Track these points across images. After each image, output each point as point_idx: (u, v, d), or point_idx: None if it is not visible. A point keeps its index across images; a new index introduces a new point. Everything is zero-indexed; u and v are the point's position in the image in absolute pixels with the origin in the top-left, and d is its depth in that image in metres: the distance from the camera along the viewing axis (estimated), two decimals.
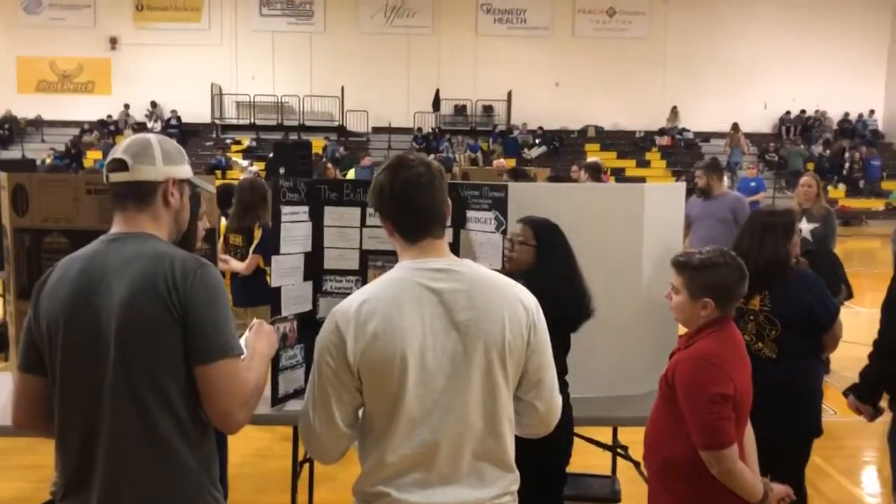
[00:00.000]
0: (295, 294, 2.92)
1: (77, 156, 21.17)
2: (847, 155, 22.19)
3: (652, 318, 3.17)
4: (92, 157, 20.74)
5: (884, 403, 2.98)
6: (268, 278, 4.05)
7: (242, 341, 1.81)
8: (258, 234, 4.90)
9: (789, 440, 2.93)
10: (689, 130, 23.76)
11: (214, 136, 23.16)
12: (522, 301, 1.75)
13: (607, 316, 2.76)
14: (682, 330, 2.46)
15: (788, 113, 24.28)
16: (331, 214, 3.00)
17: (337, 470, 2.70)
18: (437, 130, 23.22)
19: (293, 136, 21.51)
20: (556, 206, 2.88)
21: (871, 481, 4.62)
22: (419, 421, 1.65)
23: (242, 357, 1.73)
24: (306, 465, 3.47)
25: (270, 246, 2.92)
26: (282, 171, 10.18)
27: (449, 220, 1.80)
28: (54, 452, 1.73)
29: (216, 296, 1.68)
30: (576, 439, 2.86)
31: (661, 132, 23.69)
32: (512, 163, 15.79)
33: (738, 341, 2.34)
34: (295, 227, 2.91)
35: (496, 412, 1.70)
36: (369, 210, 2.88)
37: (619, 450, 3.67)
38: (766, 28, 23.26)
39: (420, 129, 23.13)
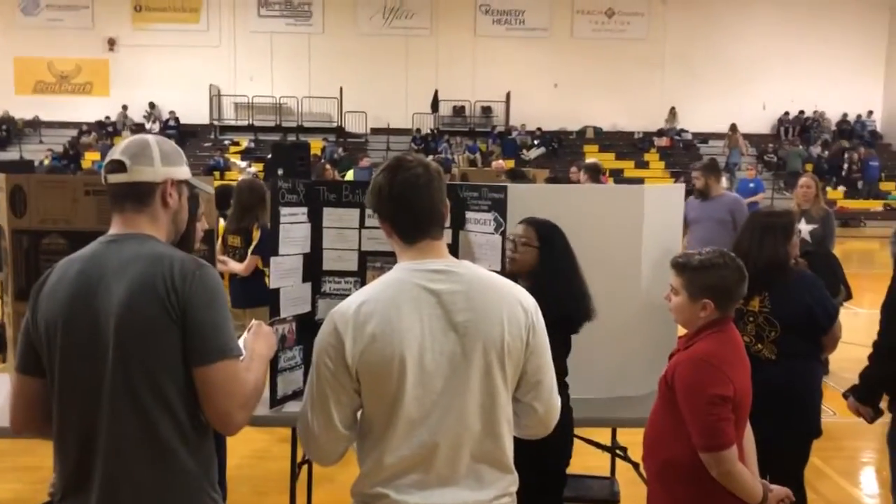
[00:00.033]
0: (294, 295, 2.92)
1: (75, 157, 21.16)
2: (846, 156, 22.22)
3: (651, 319, 3.17)
4: (90, 158, 20.72)
5: (883, 405, 2.98)
6: (266, 279, 4.04)
7: (241, 342, 1.81)
8: (257, 235, 4.89)
9: (789, 441, 2.93)
10: (687, 131, 23.78)
11: (213, 137, 23.16)
12: (521, 302, 1.74)
13: (607, 317, 2.76)
14: (682, 331, 2.46)
15: (787, 114, 24.31)
16: (329, 216, 3.00)
17: (336, 471, 2.69)
18: (435, 131, 23.23)
19: (291, 138, 21.51)
20: (555, 207, 2.88)
21: (869, 482, 4.62)
22: (418, 422, 1.65)
23: (241, 358, 1.73)
24: (305, 467, 3.46)
25: (269, 247, 2.91)
26: (280, 172, 10.18)
27: (448, 221, 1.80)
28: (52, 454, 1.72)
29: (215, 297, 1.68)
30: (575, 440, 2.86)
31: (660, 133, 23.71)
32: (511, 164, 15.83)
33: (737, 342, 2.34)
34: (294, 229, 2.90)
35: (495, 413, 1.70)
36: (368, 211, 2.87)
37: (618, 451, 3.67)
38: (764, 29, 23.29)
39: (419, 131, 23.13)
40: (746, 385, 2.29)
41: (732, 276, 2.30)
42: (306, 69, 23.40)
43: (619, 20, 23.88)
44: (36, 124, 23.07)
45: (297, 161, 11.66)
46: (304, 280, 2.96)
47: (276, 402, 2.88)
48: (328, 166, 11.47)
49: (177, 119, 22.97)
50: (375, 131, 23.40)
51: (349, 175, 13.03)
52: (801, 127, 24.13)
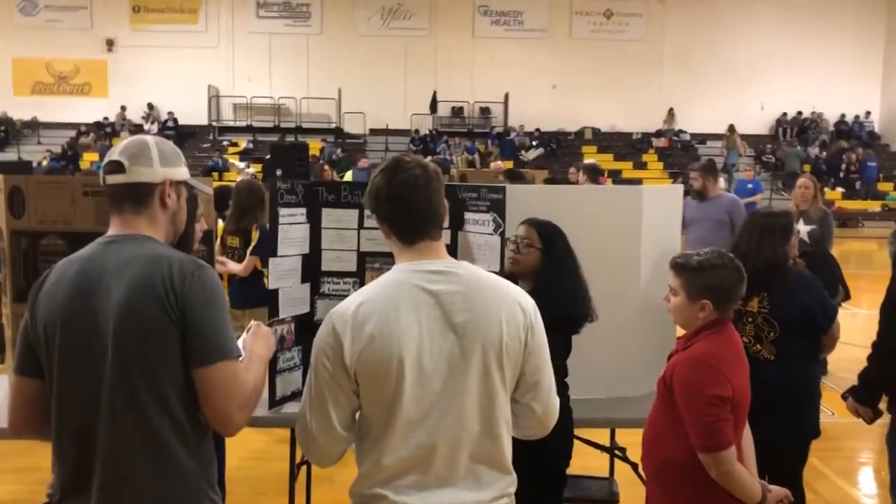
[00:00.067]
0: (292, 296, 2.92)
1: (73, 158, 21.16)
2: (844, 156, 22.24)
3: (650, 319, 3.17)
4: (88, 159, 20.72)
5: (882, 405, 2.98)
6: (265, 280, 4.04)
7: (240, 343, 1.81)
8: (255, 235, 4.89)
9: (787, 441, 2.93)
10: (685, 132, 23.80)
11: (211, 138, 23.16)
12: (520, 303, 1.74)
13: (605, 317, 2.76)
14: (681, 331, 2.46)
15: (785, 114, 24.34)
16: (328, 216, 3.00)
17: (334, 472, 2.69)
18: (434, 132, 23.24)
19: (290, 138, 21.51)
20: (554, 207, 2.88)
21: (868, 482, 4.63)
22: (416, 423, 1.65)
23: (240, 359, 1.73)
24: (304, 468, 3.46)
25: (268, 248, 2.91)
26: (279, 172, 10.18)
27: (446, 221, 1.80)
28: (51, 455, 1.72)
29: (214, 298, 1.68)
30: (574, 441, 2.86)
31: (658, 134, 23.73)
32: (509, 164, 15.82)
33: (736, 343, 2.34)
34: (292, 229, 2.90)
35: (493, 414, 1.70)
36: (367, 212, 2.88)
37: (617, 451, 3.67)
38: (762, 30, 23.32)
39: (417, 131, 23.14)
40: (745, 386, 2.29)
41: (731, 277, 2.31)
42: (305, 70, 23.40)
43: (618, 21, 23.90)
44: (34, 125, 23.07)
45: (295, 162, 11.66)
46: (303, 281, 2.96)
47: (274, 402, 2.88)
48: (326, 167, 11.46)
49: (175, 120, 22.96)
50: (374, 132, 23.41)
51: (348, 176, 13.02)
52: (800, 128, 24.16)
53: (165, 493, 1.66)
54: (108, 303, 1.63)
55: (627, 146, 23.54)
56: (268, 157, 15.87)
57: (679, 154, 22.76)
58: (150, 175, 1.75)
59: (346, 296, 1.76)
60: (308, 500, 3.67)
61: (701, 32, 23.46)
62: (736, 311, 2.65)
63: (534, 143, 22.84)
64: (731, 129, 21.99)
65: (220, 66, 23.34)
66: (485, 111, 23.99)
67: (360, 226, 3.00)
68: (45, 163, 19.86)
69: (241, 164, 19.86)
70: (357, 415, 1.72)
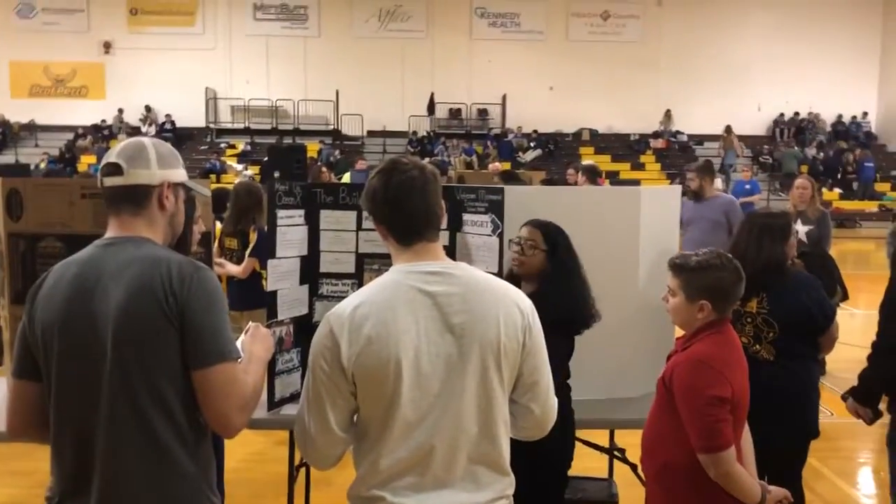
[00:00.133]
0: (291, 298, 2.91)
1: (71, 160, 21.14)
2: (843, 157, 22.28)
3: (649, 320, 3.17)
4: (86, 161, 20.71)
5: (882, 406, 2.98)
6: (264, 282, 4.04)
7: (238, 345, 1.81)
8: (253, 237, 4.89)
9: (787, 442, 2.93)
10: (683, 133, 23.83)
11: (209, 140, 23.14)
12: (517, 303, 1.74)
13: (604, 318, 2.76)
14: (680, 332, 2.46)
15: (782, 115, 24.38)
16: (327, 218, 3.00)
17: (333, 474, 2.68)
18: (431, 134, 23.24)
19: (288, 140, 21.51)
20: (552, 208, 2.88)
21: (866, 483, 4.63)
22: (414, 424, 1.65)
23: (239, 361, 1.73)
24: (302, 470, 3.45)
25: (266, 249, 2.91)
26: (276, 174, 10.18)
27: (445, 223, 1.79)
28: (49, 458, 1.72)
29: (213, 300, 1.68)
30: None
31: (656, 135, 23.75)
32: (507, 166, 15.83)
33: (735, 344, 2.34)
34: (291, 231, 2.90)
35: (491, 415, 1.70)
36: (365, 213, 2.88)
37: (616, 452, 3.66)
38: (759, 31, 23.36)
39: (415, 133, 23.14)
40: (744, 386, 2.29)
41: (730, 278, 2.31)
42: (302, 72, 23.40)
43: (615, 23, 23.92)
44: (32, 128, 23.05)
45: (293, 164, 11.67)
46: (302, 282, 2.96)
47: (273, 404, 2.87)
48: (324, 169, 11.45)
49: (173, 122, 22.95)
50: (372, 134, 23.41)
51: (346, 177, 13.01)
52: (797, 128, 24.19)
53: (165, 494, 1.66)
54: (106, 305, 1.63)
55: (625, 147, 23.56)
56: (265, 159, 15.88)
57: (676, 155, 22.79)
58: (147, 177, 1.75)
59: (344, 297, 1.76)
60: (307, 502, 3.67)
61: (697, 34, 23.50)
62: (735, 311, 2.65)
63: (531, 144, 22.85)
64: (728, 129, 22.02)
65: (217, 68, 23.33)
66: (482, 113, 24.01)
67: (359, 227, 3.00)
68: (42, 165, 19.87)
69: (239, 167, 19.90)
70: (355, 416, 1.72)
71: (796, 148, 22.70)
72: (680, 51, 23.47)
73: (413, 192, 1.70)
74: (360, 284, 2.92)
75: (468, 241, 2.92)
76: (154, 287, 1.63)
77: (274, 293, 2.85)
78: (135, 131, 21.77)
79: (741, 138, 22.33)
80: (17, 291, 2.79)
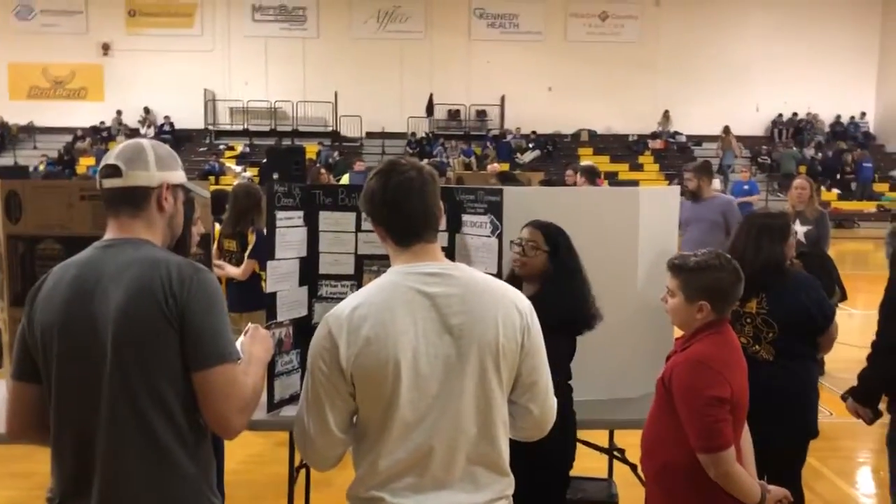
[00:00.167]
0: (290, 299, 2.91)
1: (70, 162, 21.13)
2: (841, 157, 22.30)
3: (648, 320, 3.17)
4: (85, 163, 20.70)
5: (882, 406, 2.98)
6: (263, 283, 4.04)
7: (238, 346, 1.81)
8: (252, 239, 4.89)
9: (786, 442, 2.93)
10: (681, 134, 23.84)
11: (208, 141, 23.13)
12: (516, 304, 1.75)
13: (604, 318, 2.76)
14: (679, 332, 2.46)
15: (780, 116, 24.39)
16: (326, 219, 3.00)
17: (333, 475, 2.68)
18: (430, 135, 23.24)
19: (287, 142, 21.52)
20: (551, 209, 2.88)
21: (866, 482, 4.63)
22: (413, 425, 1.65)
23: (239, 362, 1.73)
24: (302, 471, 3.45)
25: (265, 251, 2.91)
26: (275, 176, 10.18)
27: (443, 224, 1.79)
28: (50, 460, 1.72)
29: (213, 302, 1.68)
30: None
31: (654, 136, 23.77)
32: (506, 167, 15.84)
33: (734, 344, 2.34)
34: (290, 233, 2.90)
35: (490, 416, 1.70)
36: (363, 215, 2.88)
37: (615, 452, 3.67)
38: (757, 31, 23.38)
39: (414, 134, 23.14)
40: (744, 386, 2.29)
41: (729, 278, 2.31)
42: (301, 73, 23.39)
43: (613, 23, 23.93)
44: (30, 130, 23.04)
45: (292, 165, 11.69)
46: (301, 284, 2.96)
47: (273, 406, 2.87)
48: (323, 170, 11.44)
49: (171, 124, 22.94)
50: (370, 135, 23.41)
51: (344, 179, 13.00)
52: (795, 129, 24.21)
53: (166, 495, 1.66)
54: (106, 307, 1.63)
55: (623, 148, 23.57)
56: (264, 160, 15.89)
57: (675, 156, 22.80)
58: (146, 179, 1.75)
59: (343, 299, 1.76)
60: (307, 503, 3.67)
61: (696, 34, 23.52)
62: (734, 311, 2.66)
63: (530, 145, 22.86)
64: (727, 130, 22.04)
65: (216, 69, 23.33)
66: (481, 114, 24.01)
67: (358, 229, 3.00)
68: (41, 167, 19.86)
69: (238, 168, 19.90)
70: (354, 417, 1.72)
71: (795, 148, 22.72)
72: (678, 51, 23.49)
73: (411, 193, 1.70)
74: (360, 286, 2.91)
75: (467, 241, 2.92)
76: (154, 289, 1.63)
77: (273, 295, 2.84)
78: (133, 133, 21.76)
79: (739, 139, 22.35)
80: (16, 293, 2.79)
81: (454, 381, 1.66)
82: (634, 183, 18.04)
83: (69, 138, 22.57)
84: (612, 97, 23.36)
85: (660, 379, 2.34)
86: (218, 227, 5.02)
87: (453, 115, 23.99)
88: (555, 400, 1.84)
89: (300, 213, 2.94)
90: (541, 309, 1.82)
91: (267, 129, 23.07)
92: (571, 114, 23.32)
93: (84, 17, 23.28)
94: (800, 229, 5.63)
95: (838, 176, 22.03)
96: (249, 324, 2.05)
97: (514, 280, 2.65)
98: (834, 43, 23.38)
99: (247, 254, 4.88)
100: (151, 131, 22.19)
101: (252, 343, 1.92)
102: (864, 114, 24.59)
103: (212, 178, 18.06)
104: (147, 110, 23.21)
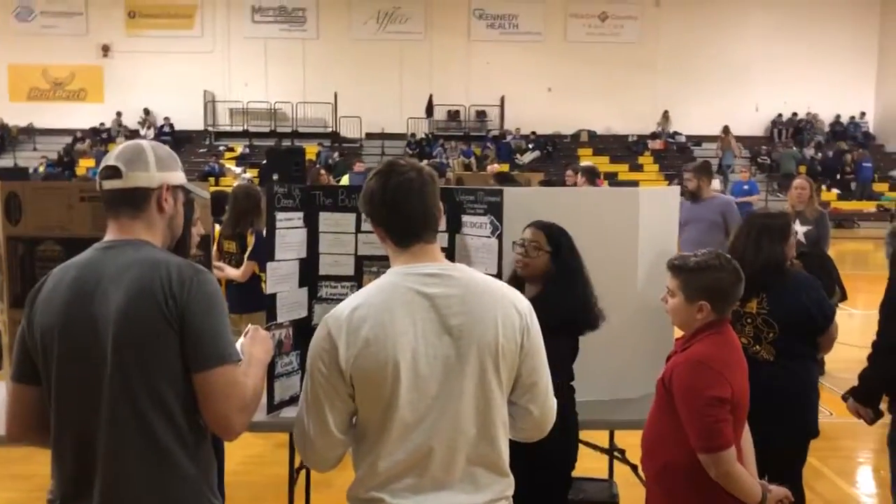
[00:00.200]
0: (290, 300, 2.91)
1: (70, 164, 21.12)
2: (842, 158, 22.30)
3: (648, 321, 3.17)
4: (85, 165, 20.69)
5: (883, 406, 2.98)
6: (263, 285, 4.04)
7: (238, 347, 1.81)
8: (251, 240, 4.89)
9: (787, 441, 2.93)
10: (681, 134, 23.84)
11: (207, 143, 23.13)
12: (515, 304, 1.74)
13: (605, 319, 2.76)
14: (679, 332, 2.46)
15: (780, 116, 24.39)
16: (325, 220, 3.00)
17: (333, 476, 2.68)
18: (430, 136, 23.24)
19: (286, 143, 21.51)
20: (551, 209, 2.88)
21: (866, 482, 4.63)
22: (412, 426, 1.65)
23: (239, 363, 1.73)
24: (302, 472, 3.45)
25: (265, 252, 2.91)
26: (275, 177, 10.18)
27: (443, 224, 1.79)
28: (50, 462, 1.72)
29: (214, 303, 1.68)
30: None
31: (654, 136, 23.77)
32: (506, 167, 15.84)
33: (734, 344, 2.34)
34: (290, 234, 2.90)
35: (490, 416, 1.70)
36: (363, 216, 2.88)
37: (616, 453, 3.67)
38: (757, 31, 23.37)
39: (413, 135, 23.14)
40: (744, 386, 2.29)
41: (729, 278, 2.31)
42: (301, 74, 23.39)
43: (613, 24, 23.93)
44: (30, 131, 23.03)
45: (292, 166, 11.69)
46: (301, 285, 2.96)
47: (273, 407, 2.87)
48: (323, 171, 11.44)
49: (171, 125, 22.94)
50: (370, 136, 23.40)
51: (344, 180, 13.00)
52: (794, 129, 24.20)
53: (166, 496, 1.66)
54: (106, 309, 1.63)
55: (623, 148, 23.57)
56: (264, 161, 15.89)
57: (674, 156, 22.79)
58: (146, 180, 1.75)
59: (343, 300, 1.76)
60: None
61: (695, 35, 23.51)
62: (735, 312, 2.66)
63: (530, 146, 22.86)
64: (726, 130, 22.03)
65: (215, 71, 23.33)
66: (481, 114, 24.01)
67: (358, 229, 3.00)
68: (41, 169, 19.87)
69: (238, 169, 19.90)
70: (354, 419, 1.72)
71: (794, 148, 22.71)
72: (678, 52, 23.49)
73: (411, 193, 1.70)
74: (360, 287, 2.91)
75: (467, 242, 2.92)
76: (154, 290, 1.63)
77: (273, 296, 2.84)
78: (133, 134, 21.75)
79: (739, 139, 22.34)
80: (15, 295, 2.78)
81: (454, 381, 1.66)
82: (634, 183, 18.04)
83: (69, 140, 22.56)
84: (612, 97, 23.36)
85: (660, 379, 2.34)
86: (218, 228, 5.02)
87: (453, 115, 23.99)
88: (555, 401, 1.84)
89: (300, 215, 2.94)
90: (543, 310, 1.82)
91: (267, 130, 23.07)
92: (571, 114, 23.32)
93: (84, 19, 23.28)
94: (800, 229, 5.63)
95: (838, 176, 22.02)
96: (249, 325, 2.05)
97: (517, 281, 2.65)
98: (833, 43, 23.38)
99: (246, 255, 4.88)
100: (151, 133, 22.18)
101: (252, 344, 1.92)
102: (863, 114, 24.59)
103: (211, 179, 18.07)
104: (147, 112, 23.21)
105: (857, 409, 3.00)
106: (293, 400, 2.90)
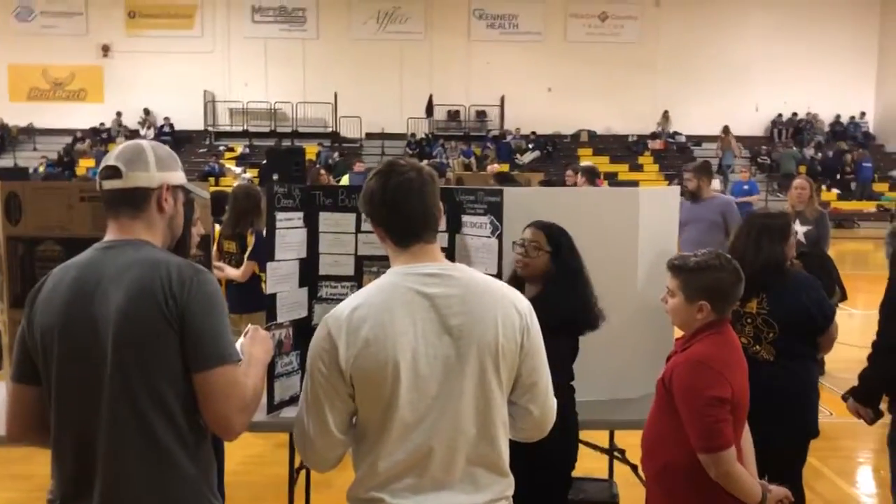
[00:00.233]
0: (290, 300, 2.91)
1: (70, 164, 21.12)
2: (842, 158, 22.30)
3: (648, 320, 3.17)
4: (85, 165, 20.69)
5: (883, 406, 2.98)
6: (263, 285, 4.03)
7: (238, 347, 1.81)
8: (251, 240, 4.89)
9: (787, 441, 2.93)
10: (681, 134, 23.84)
11: (207, 143, 23.13)
12: (515, 304, 1.74)
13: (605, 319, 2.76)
14: (679, 332, 2.46)
15: (780, 116, 24.39)
16: (326, 220, 3.00)
17: (333, 476, 2.68)
18: (430, 136, 23.24)
19: (286, 143, 21.51)
20: (551, 209, 2.88)
21: (866, 482, 4.63)
22: (412, 426, 1.65)
23: (240, 363, 1.73)
24: (302, 472, 3.45)
25: (264, 252, 2.91)
26: (275, 177, 10.18)
27: (443, 224, 1.79)
28: (50, 462, 1.72)
29: (214, 303, 1.68)
30: None
31: (654, 136, 23.76)
32: (506, 167, 15.84)
33: (734, 344, 2.34)
34: (290, 234, 2.90)
35: (490, 416, 1.70)
36: (363, 216, 2.87)
37: (616, 453, 3.67)
38: (757, 31, 23.37)
39: (413, 135, 23.13)
40: (744, 386, 2.29)
41: (729, 278, 2.31)
42: (301, 74, 23.39)
43: (613, 24, 23.93)
44: (30, 131, 23.03)
45: (292, 166, 11.69)
46: (301, 285, 2.96)
47: (273, 407, 2.87)
48: (323, 171, 11.44)
49: (171, 125, 22.93)
50: (370, 136, 23.40)
51: (344, 180, 13.00)
52: (794, 129, 24.20)
53: (166, 496, 1.66)
54: (106, 309, 1.63)
55: (623, 149, 23.57)
56: (264, 161, 15.89)
57: (674, 156, 22.79)
58: (146, 180, 1.75)
59: (343, 300, 1.76)
60: None
61: (695, 35, 23.51)
62: (735, 312, 2.65)
63: (530, 146, 22.86)
64: (726, 129, 22.04)
65: (215, 71, 23.32)
66: (481, 114, 24.01)
67: (358, 229, 2.99)
68: (41, 169, 19.86)
69: (238, 169, 19.90)
70: (354, 419, 1.72)
71: (794, 148, 22.71)
72: (678, 52, 23.48)
73: (411, 193, 1.70)
74: (360, 287, 2.91)
75: (467, 242, 2.92)
76: (154, 290, 1.63)
77: (273, 296, 2.84)
78: (133, 134, 21.74)
79: (739, 139, 22.34)
80: (15, 295, 2.78)
81: (453, 381, 1.66)
82: (634, 183, 18.04)
83: (69, 140, 22.56)
84: (612, 97, 23.35)
85: (660, 379, 2.34)
86: (218, 228, 5.02)
87: (453, 115, 23.99)
88: (555, 401, 1.84)
89: (300, 215, 2.94)
90: (543, 310, 1.82)
91: (267, 130, 23.07)
92: (571, 114, 23.32)
93: (84, 19, 23.28)
94: (800, 229, 5.63)
95: (838, 176, 22.01)
96: (249, 325, 2.05)
97: (517, 281, 2.65)
98: (833, 43, 23.38)
99: (246, 255, 4.88)
100: (151, 133, 22.18)
101: (252, 344, 1.92)
102: (863, 114, 24.59)
103: (211, 179, 18.06)
104: (147, 112, 23.21)
105: (857, 409, 3.00)
106: (293, 400, 2.90)
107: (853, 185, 21.74)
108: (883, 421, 3.02)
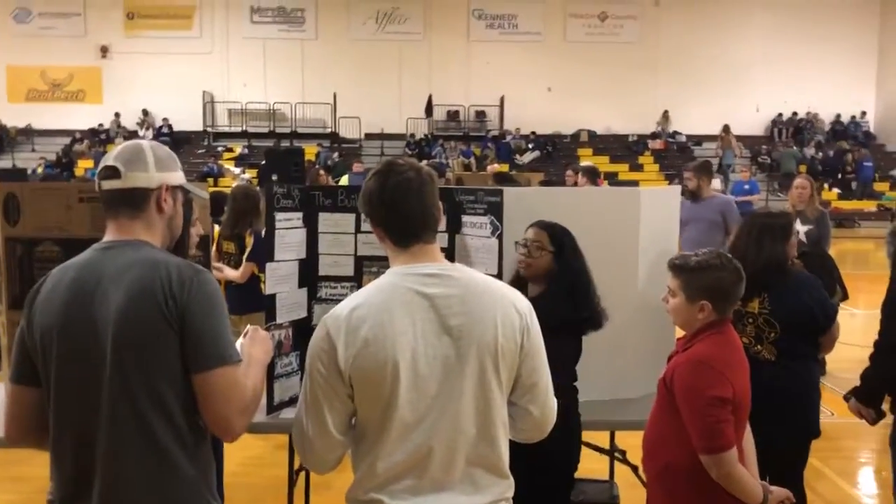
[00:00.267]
0: (289, 301, 2.90)
1: (68, 165, 21.13)
2: (843, 157, 22.31)
3: (649, 320, 3.16)
4: (83, 165, 20.70)
5: (885, 406, 2.97)
6: (262, 285, 4.03)
7: (238, 348, 1.80)
8: (250, 241, 4.88)
9: (788, 442, 2.92)
10: (681, 134, 23.85)
11: (206, 143, 23.13)
12: (515, 305, 1.74)
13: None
14: (680, 332, 2.45)
15: (780, 115, 24.40)
16: (325, 221, 2.99)
17: (333, 478, 2.67)
18: (429, 136, 23.25)
19: (285, 143, 21.51)
20: (552, 209, 2.87)
21: (867, 482, 4.63)
22: (412, 426, 1.64)
23: (239, 364, 1.72)
24: (302, 474, 3.44)
25: (263, 253, 2.90)
26: (274, 177, 10.17)
27: (443, 224, 1.79)
28: (49, 463, 1.71)
29: (214, 304, 1.67)
30: None
31: (654, 136, 23.77)
32: (506, 167, 15.84)
33: (736, 344, 2.33)
34: (289, 234, 2.89)
35: (490, 417, 1.69)
36: (362, 216, 2.87)
37: (617, 454, 3.66)
38: (757, 31, 23.39)
39: (413, 135, 23.14)
40: (746, 387, 2.28)
41: (730, 278, 2.30)
42: (300, 75, 23.39)
43: (612, 24, 23.94)
44: (29, 132, 23.03)
45: (291, 167, 11.68)
46: (300, 286, 2.95)
47: (272, 408, 2.86)
48: (322, 172, 11.43)
49: (170, 126, 22.94)
50: (369, 136, 23.41)
51: (344, 180, 12.99)
52: (795, 128, 24.22)
53: (166, 497, 1.65)
54: (106, 309, 1.62)
55: (623, 148, 23.58)
56: (263, 162, 15.87)
57: (675, 156, 22.80)
58: (146, 180, 1.74)
59: (343, 300, 1.75)
60: None
61: (695, 34, 23.52)
62: (736, 311, 2.65)
63: (529, 146, 22.86)
64: (726, 129, 22.05)
65: (214, 71, 23.33)
66: (480, 115, 24.01)
67: (357, 230, 2.99)
68: (40, 170, 19.86)
69: (237, 170, 19.86)
70: (353, 419, 1.71)
71: (795, 148, 22.73)
72: (677, 51, 23.49)
73: (410, 193, 1.69)
74: (359, 287, 2.90)
75: (467, 242, 2.91)
76: (154, 290, 1.62)
77: (272, 296, 2.83)
78: (132, 135, 21.72)
79: (739, 138, 22.37)
80: (14, 296, 2.78)
81: (453, 381, 1.65)
82: (634, 183, 18.04)
83: (67, 141, 22.58)
84: (612, 97, 23.36)
85: (661, 379, 2.33)
86: (217, 228, 5.01)
87: (452, 115, 23.99)
88: (555, 401, 1.83)
89: (299, 215, 2.93)
90: (546, 310, 1.81)
91: (266, 130, 23.08)
92: (571, 114, 23.33)
93: (82, 20, 23.28)
94: (801, 229, 5.62)
95: (839, 175, 22.03)
96: (249, 326, 2.04)
97: (519, 281, 2.64)
98: (834, 43, 23.39)
99: (245, 256, 4.88)
100: (150, 133, 22.18)
101: (251, 345, 1.91)
102: (864, 113, 24.61)
103: (210, 179, 18.07)
104: (145, 112, 23.22)
105: (858, 410, 3.00)
106: (293, 401, 2.89)
107: (854, 185, 21.76)
108: (885, 421, 3.02)
